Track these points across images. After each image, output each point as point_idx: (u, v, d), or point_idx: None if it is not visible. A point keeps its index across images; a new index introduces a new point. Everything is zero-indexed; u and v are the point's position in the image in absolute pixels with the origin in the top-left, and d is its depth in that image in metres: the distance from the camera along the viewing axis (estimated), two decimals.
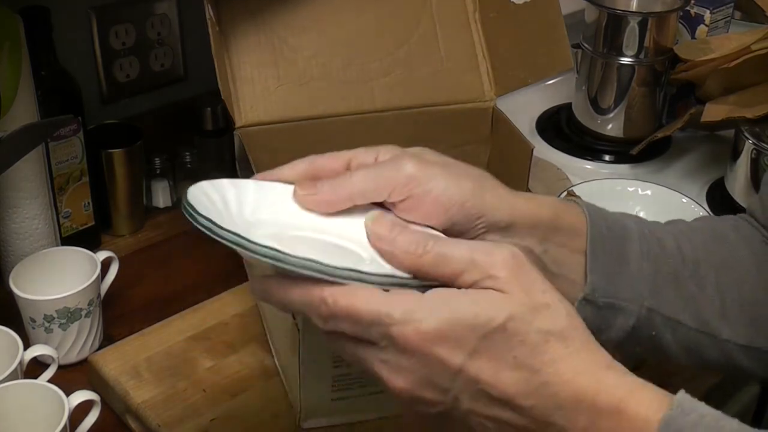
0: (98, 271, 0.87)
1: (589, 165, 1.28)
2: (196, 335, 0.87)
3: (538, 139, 1.33)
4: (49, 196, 0.94)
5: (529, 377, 0.49)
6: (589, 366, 0.49)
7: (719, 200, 1.18)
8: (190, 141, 1.13)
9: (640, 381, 0.49)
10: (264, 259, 0.48)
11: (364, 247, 0.54)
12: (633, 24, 1.22)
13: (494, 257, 0.50)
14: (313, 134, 0.87)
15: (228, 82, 0.84)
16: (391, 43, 0.90)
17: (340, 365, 0.73)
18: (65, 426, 0.70)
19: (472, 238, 0.58)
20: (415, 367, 0.50)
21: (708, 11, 1.29)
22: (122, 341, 0.86)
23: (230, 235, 0.49)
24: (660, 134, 1.24)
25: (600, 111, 1.29)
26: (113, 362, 0.83)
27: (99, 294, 0.89)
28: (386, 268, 0.52)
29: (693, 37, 1.31)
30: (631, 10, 1.29)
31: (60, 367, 0.83)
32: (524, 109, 1.37)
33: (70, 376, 0.85)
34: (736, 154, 1.15)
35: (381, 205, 0.57)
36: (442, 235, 0.55)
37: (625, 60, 1.24)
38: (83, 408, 0.76)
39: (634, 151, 1.23)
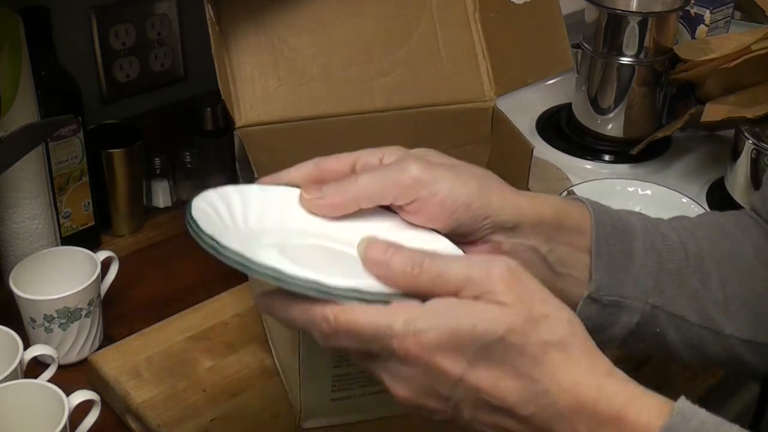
0: (98, 271, 0.87)
1: (589, 165, 1.28)
2: (196, 335, 0.87)
3: (538, 139, 1.33)
4: (49, 196, 0.94)
5: (529, 386, 0.49)
6: (589, 374, 0.49)
7: (719, 200, 1.18)
8: (190, 141, 1.13)
9: (640, 388, 0.49)
10: (266, 279, 0.49)
11: None
12: (633, 24, 1.22)
13: (491, 273, 0.50)
14: (313, 134, 0.87)
15: (228, 82, 0.84)
16: (391, 43, 0.90)
17: (340, 365, 0.73)
18: (65, 426, 0.70)
19: (478, 239, 0.58)
20: (416, 377, 0.50)
21: (708, 11, 1.29)
22: (122, 341, 0.86)
23: (233, 255, 0.49)
24: (660, 134, 1.24)
25: (600, 111, 1.29)
26: (113, 362, 0.83)
27: (99, 294, 0.89)
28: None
29: (693, 37, 1.31)
30: (631, 10, 1.28)
31: (60, 367, 0.83)
32: (524, 109, 1.37)
33: (70, 376, 0.85)
34: (736, 154, 1.15)
35: (387, 208, 0.57)
36: (441, 242, 0.56)
37: (625, 60, 1.24)
38: (83, 408, 0.75)
39: (634, 151, 1.23)
